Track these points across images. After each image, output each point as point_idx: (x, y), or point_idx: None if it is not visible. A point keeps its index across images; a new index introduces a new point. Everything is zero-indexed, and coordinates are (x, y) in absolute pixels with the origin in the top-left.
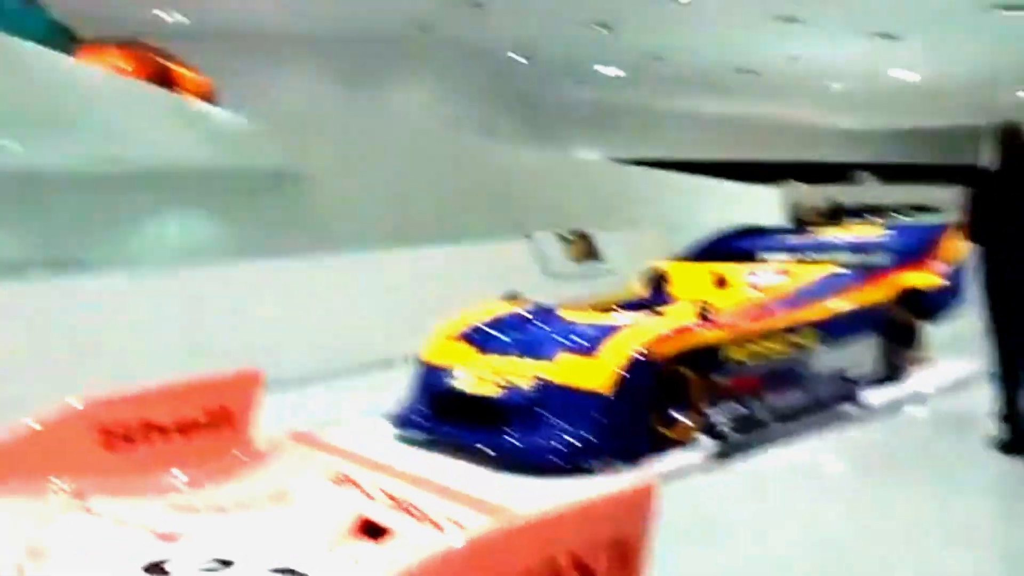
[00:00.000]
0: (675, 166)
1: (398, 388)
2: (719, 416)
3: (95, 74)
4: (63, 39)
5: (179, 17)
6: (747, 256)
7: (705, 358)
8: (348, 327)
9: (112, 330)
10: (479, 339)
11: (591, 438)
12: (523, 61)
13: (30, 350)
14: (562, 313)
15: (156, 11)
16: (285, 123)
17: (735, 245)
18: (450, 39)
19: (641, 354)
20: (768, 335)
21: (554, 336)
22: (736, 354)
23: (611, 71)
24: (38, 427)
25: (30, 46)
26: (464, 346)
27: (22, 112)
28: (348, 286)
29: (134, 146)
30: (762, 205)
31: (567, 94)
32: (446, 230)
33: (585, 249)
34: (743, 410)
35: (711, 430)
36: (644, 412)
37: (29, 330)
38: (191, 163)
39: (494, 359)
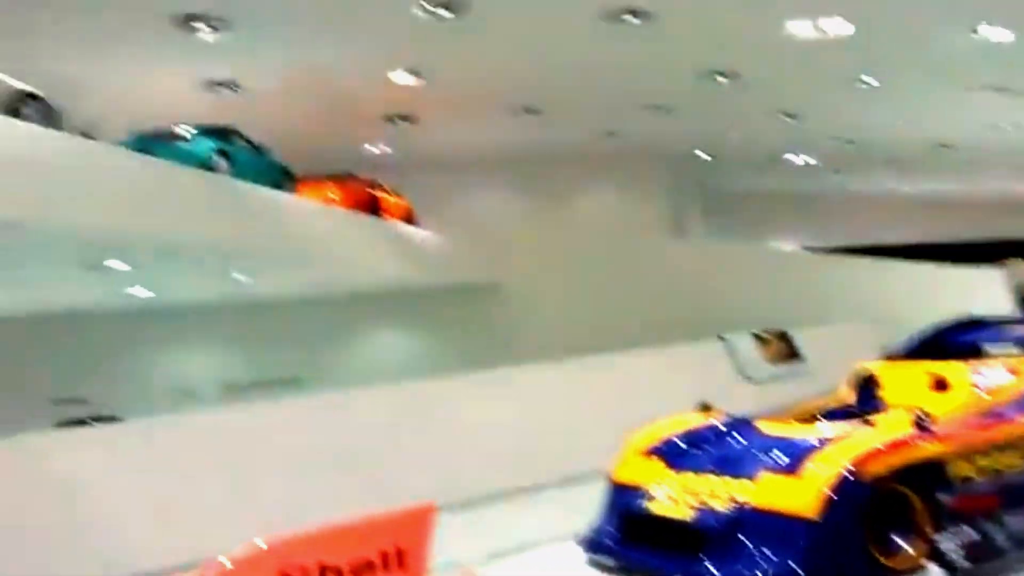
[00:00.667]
0: (877, 252)
1: (588, 507)
2: (948, 542)
3: (311, 208)
4: (284, 178)
5: (385, 149)
6: (970, 352)
7: (927, 475)
8: (535, 440)
9: (313, 448)
10: (671, 455)
11: (798, 570)
12: (708, 158)
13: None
14: (760, 425)
15: (366, 145)
16: (479, 239)
17: (955, 339)
18: (634, 143)
19: (852, 472)
20: (1001, 446)
21: (752, 452)
22: (964, 469)
23: (800, 159)
24: (229, 566)
25: (257, 188)
26: (655, 462)
27: (250, 247)
28: (535, 397)
29: (344, 270)
30: (981, 290)
31: (756, 185)
32: (637, 334)
33: (783, 349)
34: (976, 535)
35: (939, 558)
36: (859, 539)
37: (253, 447)
38: (395, 283)
39: (688, 477)
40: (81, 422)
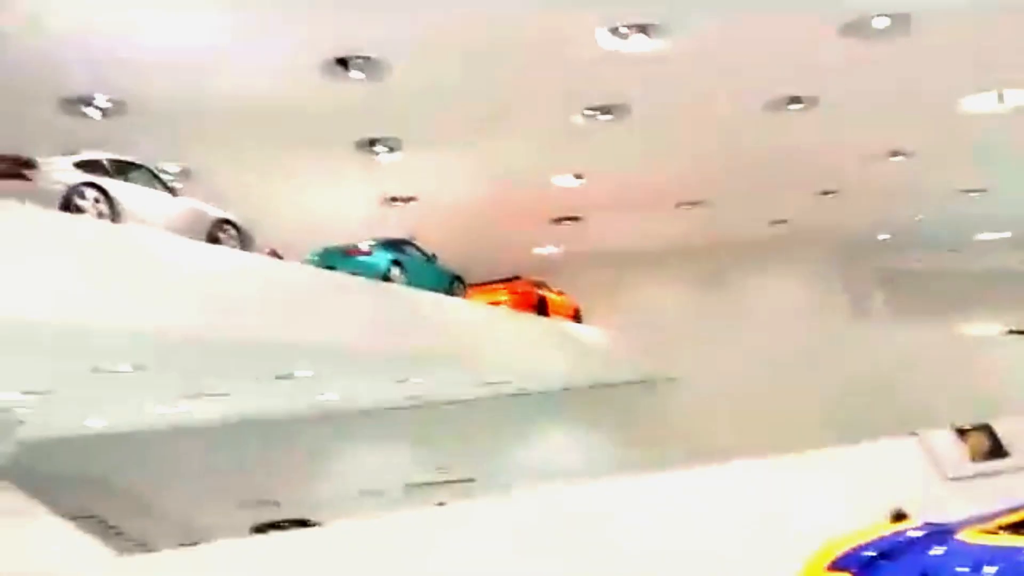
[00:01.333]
0: None
1: None
2: None
3: (480, 311)
4: (456, 284)
5: (552, 249)
6: None
7: None
8: (708, 549)
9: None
10: (861, 569)
11: None
12: (885, 237)
13: None
14: (964, 536)
15: (535, 249)
16: (651, 332)
17: None
18: (805, 228)
19: None
20: None
21: (957, 566)
22: None
23: (991, 235)
24: None
25: (430, 296)
26: None
27: (424, 352)
28: (707, 500)
29: (514, 370)
30: None
31: (942, 264)
32: (819, 429)
33: (986, 444)
34: None
35: None
36: None
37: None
38: (565, 381)
39: None
40: (276, 525)
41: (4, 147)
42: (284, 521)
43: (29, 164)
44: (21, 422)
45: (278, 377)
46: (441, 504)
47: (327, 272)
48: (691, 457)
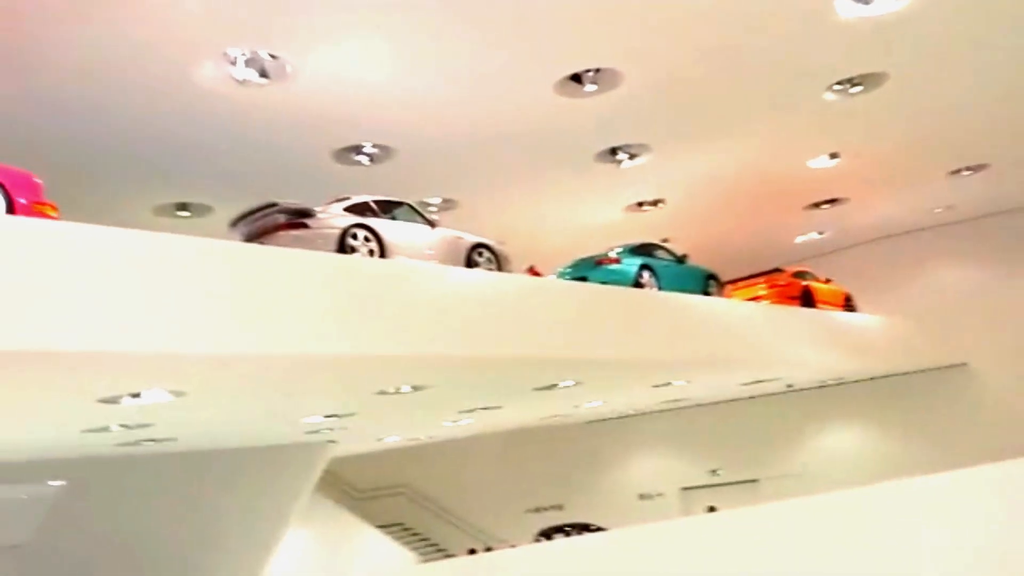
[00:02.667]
0: None
1: None
2: None
3: (740, 308)
4: (711, 283)
5: (815, 236)
6: None
7: None
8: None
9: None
10: None
11: None
12: None
13: None
14: None
15: (799, 238)
16: (931, 317)
17: None
18: None
19: None
20: None
21: None
22: None
23: None
24: None
25: (683, 298)
26: None
27: (687, 356)
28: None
29: (782, 367)
30: None
31: None
32: None
33: None
34: None
35: None
36: None
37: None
38: (839, 374)
39: None
40: (560, 529)
41: (272, 191)
42: (567, 525)
43: (308, 213)
44: (332, 442)
45: (540, 388)
46: (712, 509)
47: (579, 284)
48: (987, 452)
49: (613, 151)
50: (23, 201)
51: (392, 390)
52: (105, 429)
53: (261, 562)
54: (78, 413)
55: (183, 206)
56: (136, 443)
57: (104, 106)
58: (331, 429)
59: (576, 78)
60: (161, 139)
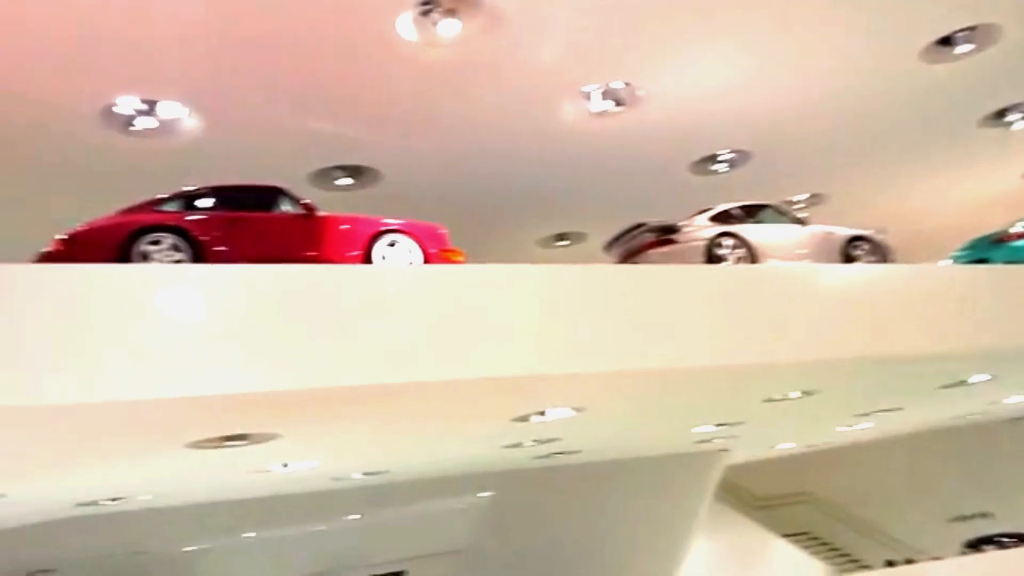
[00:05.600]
0: None
1: None
2: None
3: None
4: None
5: None
6: None
7: None
8: None
9: None
10: None
11: None
12: None
13: None
14: None
15: None
16: None
17: None
18: None
19: None
20: None
21: None
22: None
23: None
24: None
25: None
26: None
27: None
28: None
29: None
30: None
31: None
32: None
33: None
34: None
35: None
36: None
37: None
38: None
39: None
40: (992, 540)
41: (639, 212)
42: (1002, 535)
43: (673, 229)
44: (723, 450)
45: (947, 386)
46: None
47: (980, 268)
48: None
49: (1000, 113)
50: (434, 251)
51: (779, 397)
52: (519, 445)
53: (670, 572)
54: (496, 431)
55: (561, 236)
56: (548, 456)
57: (486, 154)
58: (722, 438)
59: (945, 41)
60: (536, 177)
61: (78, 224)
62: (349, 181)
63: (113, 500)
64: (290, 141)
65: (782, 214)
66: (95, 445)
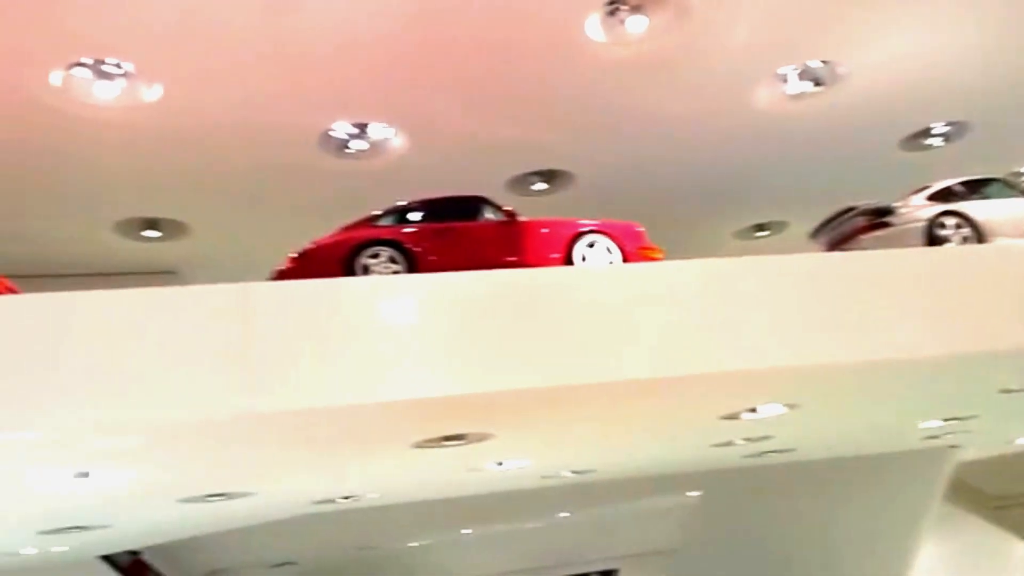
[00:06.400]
0: None
1: None
2: None
3: None
4: None
5: None
6: None
7: None
8: None
9: None
10: None
11: None
12: None
13: None
14: None
15: None
16: None
17: None
18: None
19: None
20: None
21: None
22: None
23: None
24: None
25: None
26: None
27: None
28: None
29: None
30: None
31: None
32: None
33: None
34: None
35: None
36: None
37: None
38: None
39: None
40: None
41: (845, 195)
42: None
43: (887, 211)
44: (954, 447)
45: None
46: None
47: None
48: None
49: None
50: (632, 249)
51: (1018, 387)
52: (729, 443)
53: None
54: (704, 430)
55: (760, 227)
56: (760, 455)
57: (679, 149)
58: (952, 433)
59: None
60: (731, 168)
61: (306, 243)
62: (544, 186)
63: (346, 498)
64: (486, 151)
65: (1011, 187)
66: (334, 447)
